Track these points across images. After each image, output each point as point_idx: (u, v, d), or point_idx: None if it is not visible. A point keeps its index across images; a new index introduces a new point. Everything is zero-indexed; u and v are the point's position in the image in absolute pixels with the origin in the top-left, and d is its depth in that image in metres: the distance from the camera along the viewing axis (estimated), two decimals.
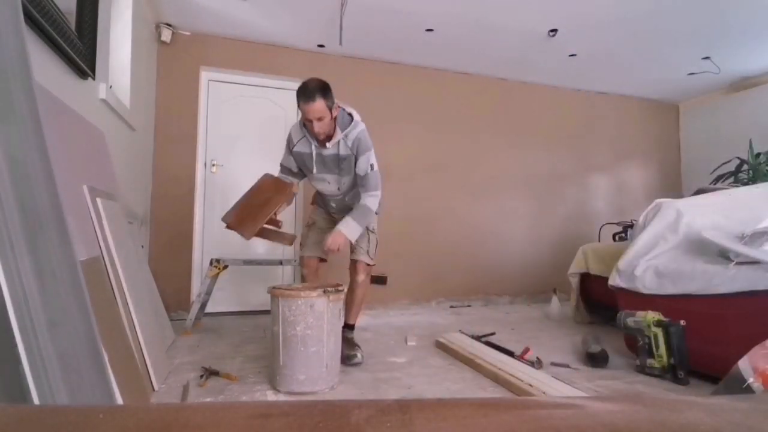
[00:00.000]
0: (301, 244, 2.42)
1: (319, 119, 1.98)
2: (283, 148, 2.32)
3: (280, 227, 2.30)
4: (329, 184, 2.25)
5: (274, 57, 3.61)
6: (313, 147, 2.14)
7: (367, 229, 2.29)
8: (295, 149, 2.19)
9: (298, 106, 2.01)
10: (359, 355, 2.18)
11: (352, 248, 2.32)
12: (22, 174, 0.92)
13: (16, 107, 0.95)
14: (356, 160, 2.12)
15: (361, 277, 2.28)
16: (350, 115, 2.14)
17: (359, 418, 0.41)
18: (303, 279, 2.39)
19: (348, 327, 2.30)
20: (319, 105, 1.94)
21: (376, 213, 2.31)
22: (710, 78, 4.21)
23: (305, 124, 2.08)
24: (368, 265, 2.30)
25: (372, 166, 2.13)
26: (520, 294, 4.24)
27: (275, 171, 2.37)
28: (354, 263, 2.30)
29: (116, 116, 2.31)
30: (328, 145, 2.09)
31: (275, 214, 2.19)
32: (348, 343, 2.21)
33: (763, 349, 1.30)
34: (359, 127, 2.11)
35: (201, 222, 3.44)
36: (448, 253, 4.03)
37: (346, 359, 2.11)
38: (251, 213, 2.23)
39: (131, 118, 2.54)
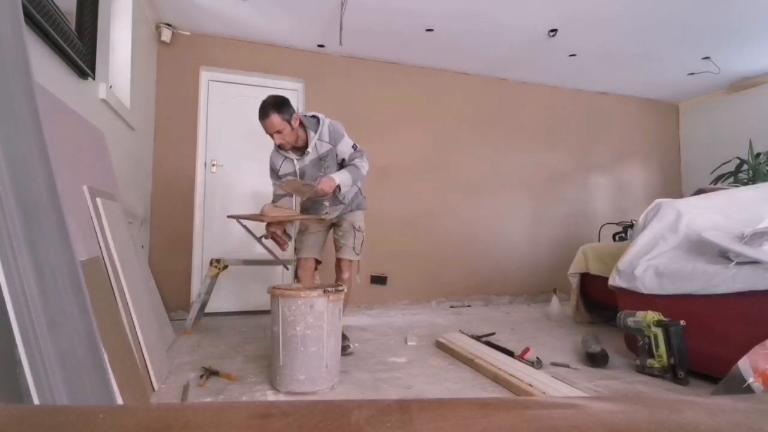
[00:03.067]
0: (296, 249, 2.47)
1: (278, 132, 2.08)
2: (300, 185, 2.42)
3: (283, 248, 2.29)
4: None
5: (274, 57, 3.61)
6: (295, 162, 2.22)
7: (353, 227, 2.38)
8: (281, 173, 2.27)
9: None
10: (351, 345, 2.30)
11: (338, 246, 2.39)
12: (22, 174, 0.92)
13: (16, 107, 0.95)
14: (336, 149, 2.22)
15: (346, 274, 2.36)
16: (314, 116, 2.22)
17: (359, 418, 0.41)
18: (299, 280, 2.41)
19: None
20: (274, 119, 2.04)
21: (362, 209, 2.44)
22: (710, 78, 4.21)
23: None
24: (352, 261, 2.38)
25: (355, 146, 2.24)
26: (520, 294, 4.24)
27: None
28: (339, 261, 2.37)
29: (116, 116, 2.31)
30: (308, 150, 2.18)
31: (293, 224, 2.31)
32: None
33: (763, 349, 1.30)
34: (327, 121, 2.22)
35: (201, 222, 3.44)
36: (448, 253, 4.03)
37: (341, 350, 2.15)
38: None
39: (131, 118, 2.54)
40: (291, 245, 2.46)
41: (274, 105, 2.05)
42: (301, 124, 2.16)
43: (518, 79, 4.38)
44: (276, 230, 2.18)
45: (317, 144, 2.19)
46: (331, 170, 2.23)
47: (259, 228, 2.27)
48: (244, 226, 2.25)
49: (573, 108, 4.62)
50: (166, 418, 0.43)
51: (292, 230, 2.35)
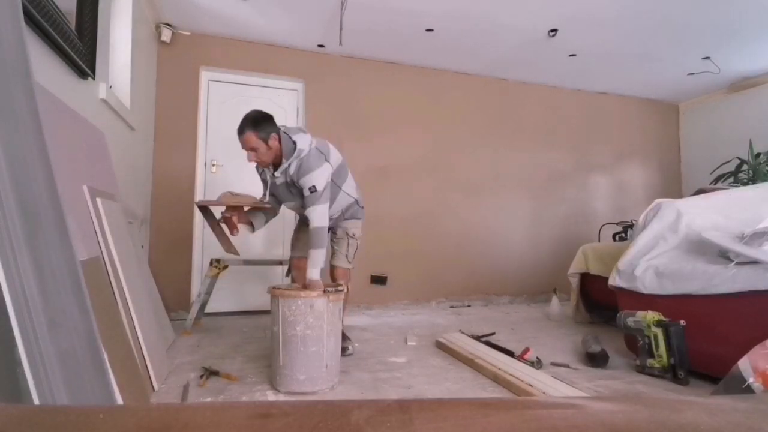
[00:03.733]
0: (291, 247, 2.47)
1: (252, 149, 2.01)
2: (264, 195, 2.40)
3: (233, 232, 2.27)
4: (293, 207, 2.30)
5: (274, 57, 3.61)
6: (269, 176, 2.19)
7: (347, 234, 2.33)
8: (261, 175, 2.28)
9: None
10: (350, 347, 2.28)
11: (332, 252, 2.37)
12: (22, 174, 0.92)
13: (16, 107, 0.95)
14: (299, 183, 2.09)
15: (340, 282, 2.29)
16: (294, 143, 2.08)
17: (359, 418, 0.41)
18: (292, 280, 2.42)
19: None
20: (248, 137, 1.98)
21: (358, 218, 2.37)
22: (710, 78, 4.21)
23: None
24: (346, 269, 2.34)
25: (313, 188, 2.04)
26: (520, 294, 4.24)
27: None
28: (333, 269, 2.35)
29: (116, 116, 2.31)
30: (276, 174, 2.12)
31: (235, 216, 2.21)
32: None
33: (763, 349, 1.30)
34: (303, 153, 2.07)
35: (201, 222, 3.44)
36: (448, 253, 4.03)
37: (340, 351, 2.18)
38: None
39: (131, 118, 2.54)
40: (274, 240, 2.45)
41: (252, 122, 2.00)
42: (282, 141, 2.07)
43: (518, 79, 4.37)
44: (230, 215, 2.19)
45: (287, 171, 2.10)
46: (301, 198, 2.16)
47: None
48: (202, 213, 2.33)
49: (573, 108, 4.62)
50: (166, 418, 0.43)
51: (261, 222, 2.33)
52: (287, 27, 3.31)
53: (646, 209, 2.36)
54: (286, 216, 3.62)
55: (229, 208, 2.21)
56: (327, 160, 2.12)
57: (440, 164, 4.07)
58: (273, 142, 2.03)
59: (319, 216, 2.05)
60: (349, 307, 3.01)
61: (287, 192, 2.20)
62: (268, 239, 3.63)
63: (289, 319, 1.74)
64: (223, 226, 2.26)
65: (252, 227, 2.33)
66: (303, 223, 2.45)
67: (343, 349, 2.21)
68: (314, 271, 2.01)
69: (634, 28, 3.28)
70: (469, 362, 2.12)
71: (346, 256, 2.33)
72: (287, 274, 2.53)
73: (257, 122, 2.01)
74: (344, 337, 2.30)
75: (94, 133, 1.83)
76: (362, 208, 2.43)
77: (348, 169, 2.34)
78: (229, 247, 2.38)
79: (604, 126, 4.75)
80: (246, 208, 2.28)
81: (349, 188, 2.33)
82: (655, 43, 3.53)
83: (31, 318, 0.84)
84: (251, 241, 3.54)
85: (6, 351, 0.80)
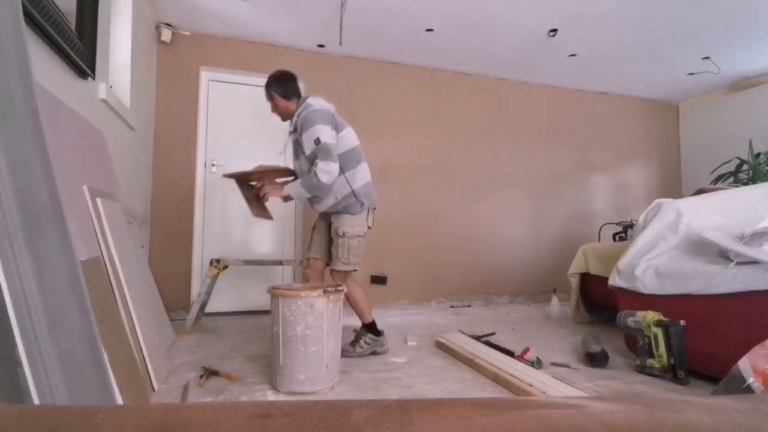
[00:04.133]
0: (308, 246, 2.47)
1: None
2: (281, 148, 2.49)
3: (260, 199, 2.36)
4: (297, 168, 2.31)
5: (274, 57, 3.61)
6: (288, 131, 2.33)
7: (337, 233, 2.23)
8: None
9: None
10: (357, 348, 2.28)
11: (331, 258, 2.33)
12: (22, 174, 0.92)
13: (16, 107, 0.95)
14: (301, 139, 2.16)
15: (341, 285, 2.26)
16: (305, 99, 2.24)
17: (359, 418, 0.41)
18: (307, 280, 2.41)
19: (364, 326, 2.36)
20: (264, 93, 2.29)
21: (351, 214, 2.24)
22: (710, 78, 4.21)
23: None
24: (341, 272, 2.28)
25: (317, 140, 2.08)
26: (520, 294, 4.24)
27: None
28: (332, 273, 2.33)
29: (116, 116, 2.31)
30: (289, 128, 2.30)
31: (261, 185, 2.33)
32: (355, 338, 2.33)
33: (763, 349, 1.30)
34: (308, 108, 2.17)
35: (201, 222, 3.44)
36: (448, 253, 4.02)
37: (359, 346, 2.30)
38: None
39: (131, 118, 2.54)
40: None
41: (267, 81, 2.27)
42: (299, 102, 2.25)
43: (518, 79, 4.37)
44: (261, 184, 2.32)
45: (296, 123, 2.20)
46: (301, 155, 2.22)
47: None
48: (237, 183, 2.41)
49: (573, 108, 4.62)
50: (166, 418, 0.43)
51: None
52: (287, 27, 3.31)
53: (646, 209, 2.36)
54: (287, 217, 3.62)
55: (261, 177, 2.36)
56: (336, 130, 2.17)
57: (440, 164, 4.07)
58: (276, 100, 2.26)
59: (325, 171, 2.06)
60: (349, 308, 3.00)
61: (294, 150, 2.29)
62: (268, 239, 3.63)
63: (289, 319, 1.74)
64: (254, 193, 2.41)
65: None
66: (320, 219, 2.42)
67: (343, 351, 2.19)
68: (285, 187, 2.17)
69: (634, 28, 3.28)
70: (469, 362, 2.12)
71: (339, 258, 2.25)
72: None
73: (268, 82, 2.27)
74: (355, 341, 2.30)
75: (94, 133, 1.83)
76: (361, 203, 2.25)
77: (363, 162, 2.29)
78: (261, 212, 2.42)
79: (604, 126, 4.75)
80: (278, 180, 2.38)
81: (354, 179, 2.22)
82: (655, 43, 3.53)
83: (31, 318, 0.84)
84: (252, 241, 3.54)
85: (6, 351, 0.80)
